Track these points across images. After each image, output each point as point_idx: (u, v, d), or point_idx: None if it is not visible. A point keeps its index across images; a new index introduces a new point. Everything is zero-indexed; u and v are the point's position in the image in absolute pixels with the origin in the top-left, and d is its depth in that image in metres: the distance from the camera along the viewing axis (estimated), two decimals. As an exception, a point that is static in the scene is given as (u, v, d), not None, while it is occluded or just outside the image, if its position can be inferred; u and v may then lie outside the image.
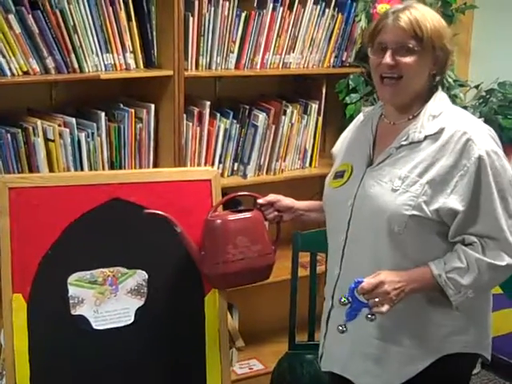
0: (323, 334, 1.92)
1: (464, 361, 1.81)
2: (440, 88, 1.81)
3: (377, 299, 1.60)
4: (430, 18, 1.70)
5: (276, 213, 2.05)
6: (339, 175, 1.86)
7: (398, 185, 1.69)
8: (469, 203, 1.65)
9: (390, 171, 1.73)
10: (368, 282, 1.61)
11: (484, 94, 3.26)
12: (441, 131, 1.70)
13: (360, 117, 1.98)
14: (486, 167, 1.65)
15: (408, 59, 1.68)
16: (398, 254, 1.71)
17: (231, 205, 2.23)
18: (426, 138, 1.71)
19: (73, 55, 2.37)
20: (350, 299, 1.62)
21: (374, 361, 1.78)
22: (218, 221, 2.00)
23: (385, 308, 1.61)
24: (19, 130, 2.33)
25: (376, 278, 1.62)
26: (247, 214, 2.02)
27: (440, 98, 1.78)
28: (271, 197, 2.05)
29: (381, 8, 2.74)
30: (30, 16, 2.27)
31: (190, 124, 2.66)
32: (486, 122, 3.14)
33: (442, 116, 1.73)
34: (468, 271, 1.67)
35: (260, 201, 2.04)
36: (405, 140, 1.74)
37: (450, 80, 2.95)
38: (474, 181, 1.65)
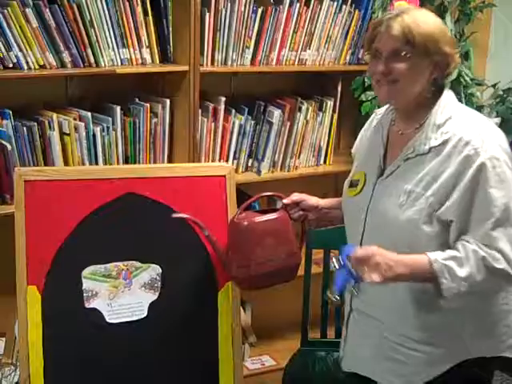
0: (343, 336, 1.94)
1: (487, 362, 1.81)
2: (445, 91, 1.77)
3: (367, 269, 1.59)
4: (423, 23, 1.67)
5: (301, 212, 2.04)
6: (354, 184, 1.87)
7: (403, 199, 1.69)
8: (462, 211, 1.64)
9: (398, 185, 1.73)
10: (361, 250, 1.61)
11: (501, 93, 3.23)
12: (445, 143, 1.68)
13: (374, 117, 1.98)
14: (487, 174, 1.63)
15: (401, 65, 1.67)
16: None
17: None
18: (430, 149, 1.70)
19: (89, 49, 2.38)
20: (341, 263, 1.61)
21: (398, 363, 1.80)
22: (245, 223, 1.95)
23: (375, 276, 1.59)
24: (35, 124, 2.34)
25: (369, 249, 1.62)
26: (273, 215, 1.97)
27: (445, 103, 1.74)
28: (296, 196, 2.03)
29: (398, 5, 2.72)
30: (48, 10, 2.28)
31: (205, 119, 2.66)
32: (502, 121, 3.16)
33: (447, 124, 1.71)
34: (465, 262, 1.63)
35: (285, 201, 2.02)
36: (411, 152, 1.73)
37: (466, 78, 2.93)
38: (469, 188, 1.63)
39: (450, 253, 1.65)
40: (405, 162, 1.74)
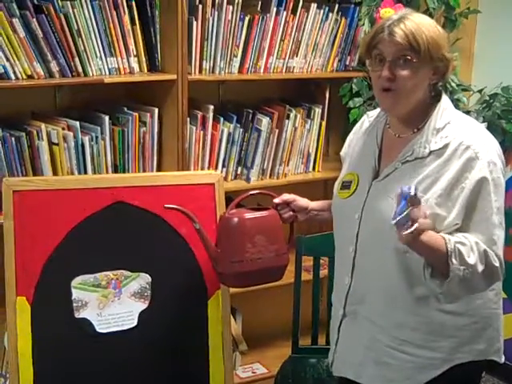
0: (334, 341, 1.92)
1: (475, 367, 1.81)
2: (443, 95, 1.79)
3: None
4: (425, 29, 1.67)
5: (291, 213, 2.04)
6: (346, 186, 1.87)
7: None
8: (466, 214, 1.66)
9: (395, 187, 1.70)
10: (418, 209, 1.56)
11: (487, 98, 3.25)
12: (445, 146, 1.70)
13: (365, 119, 1.97)
14: (487, 180, 1.66)
15: (405, 72, 1.67)
16: (405, 265, 1.71)
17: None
18: (430, 153, 1.71)
19: (77, 59, 2.38)
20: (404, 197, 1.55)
21: (387, 367, 1.79)
22: (236, 219, 1.95)
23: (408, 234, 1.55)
24: (23, 134, 2.33)
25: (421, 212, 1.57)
26: (264, 213, 1.98)
27: (444, 107, 1.76)
28: (287, 196, 2.04)
29: (384, 12, 2.74)
30: (35, 20, 2.28)
31: (194, 128, 2.66)
32: (489, 126, 3.17)
33: (447, 129, 1.72)
34: (471, 251, 1.64)
35: (276, 200, 2.02)
36: (410, 155, 1.74)
37: (453, 84, 2.95)
38: (473, 191, 1.65)
39: (461, 239, 1.64)
40: (402, 164, 1.75)
